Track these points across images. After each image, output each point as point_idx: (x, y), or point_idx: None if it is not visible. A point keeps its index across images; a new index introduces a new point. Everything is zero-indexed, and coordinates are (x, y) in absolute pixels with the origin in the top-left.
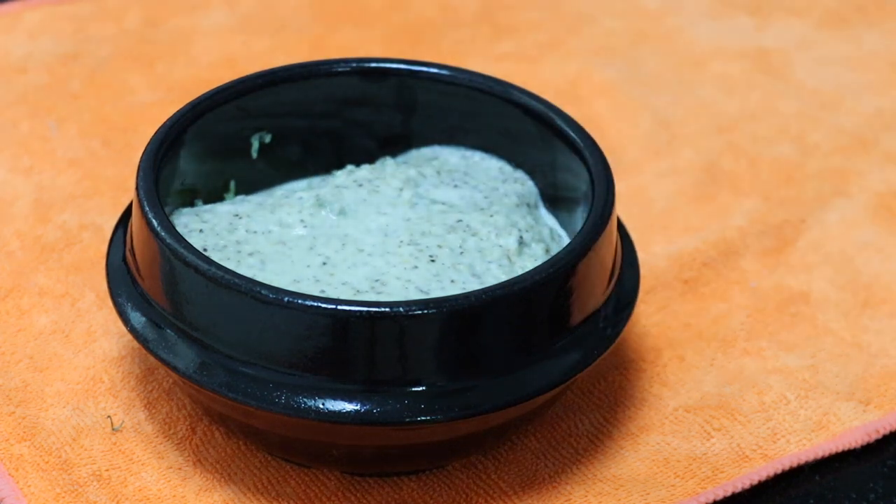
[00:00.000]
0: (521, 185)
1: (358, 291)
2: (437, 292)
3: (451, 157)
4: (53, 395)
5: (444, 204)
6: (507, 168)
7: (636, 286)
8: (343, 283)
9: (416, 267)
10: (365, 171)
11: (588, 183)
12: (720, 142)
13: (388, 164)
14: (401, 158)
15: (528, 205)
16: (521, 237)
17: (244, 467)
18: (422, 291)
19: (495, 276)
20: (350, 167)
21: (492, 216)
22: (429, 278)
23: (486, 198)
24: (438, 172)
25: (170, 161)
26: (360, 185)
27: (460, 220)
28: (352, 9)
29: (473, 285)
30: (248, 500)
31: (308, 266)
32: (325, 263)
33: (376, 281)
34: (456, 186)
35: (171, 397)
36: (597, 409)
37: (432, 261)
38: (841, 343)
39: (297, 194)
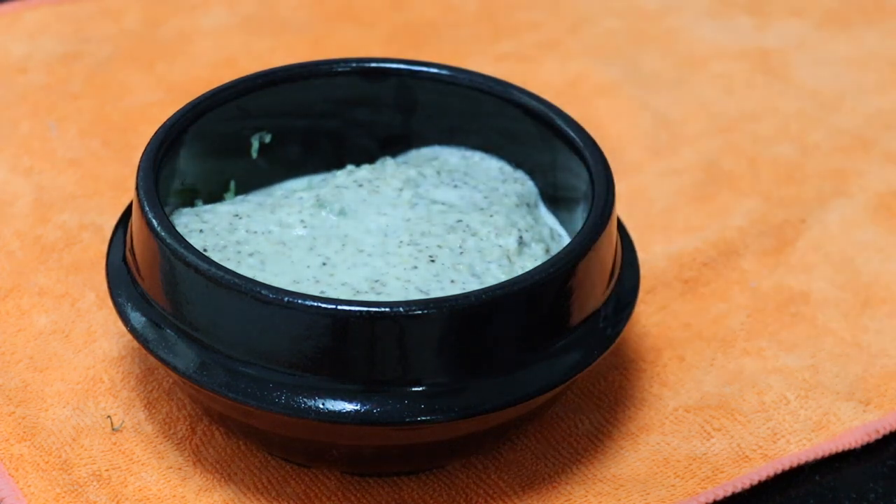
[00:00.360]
0: (521, 185)
1: (357, 292)
2: (436, 292)
3: (451, 157)
4: (53, 395)
5: (443, 204)
6: (507, 168)
7: (636, 286)
8: (343, 284)
9: (415, 267)
10: (365, 171)
11: (588, 183)
12: (720, 142)
13: (388, 165)
14: (401, 158)
15: (528, 205)
16: (520, 237)
17: (244, 467)
18: (421, 292)
19: (495, 276)
20: (350, 167)
21: (492, 216)
22: (428, 278)
23: (485, 198)
24: (438, 172)
25: (170, 161)
26: (361, 186)
27: (460, 220)
28: (352, 9)
29: (473, 285)
30: (248, 500)
31: (308, 266)
32: (324, 264)
33: (376, 281)
34: (456, 186)
35: (171, 397)
36: (597, 409)
37: (432, 261)
38: (841, 343)
39: (297, 194)
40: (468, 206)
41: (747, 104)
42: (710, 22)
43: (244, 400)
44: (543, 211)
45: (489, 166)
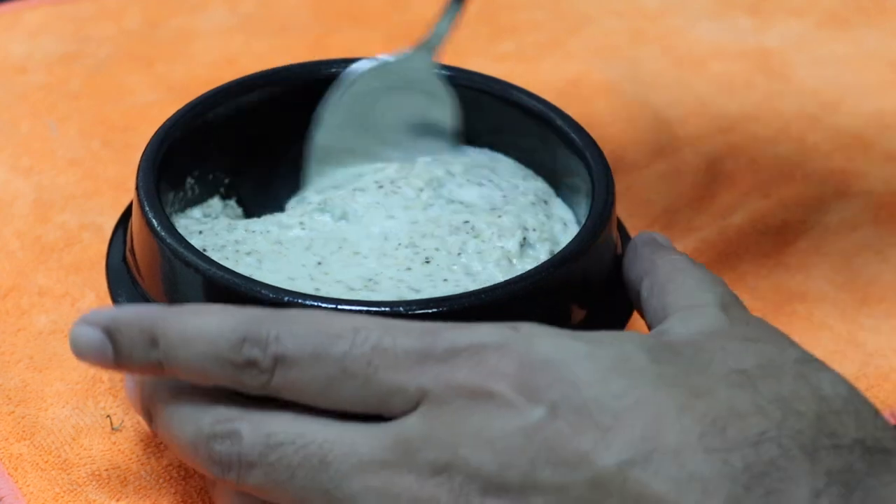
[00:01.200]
0: (539, 181)
1: (351, 289)
2: (428, 291)
3: (478, 155)
4: (53, 394)
5: (460, 203)
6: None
7: None
8: (337, 282)
9: (409, 269)
10: (392, 169)
11: (588, 183)
12: (720, 142)
13: (417, 162)
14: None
15: (545, 202)
16: (524, 238)
17: None
18: (413, 290)
19: (492, 275)
20: (379, 164)
21: (500, 217)
22: (420, 278)
23: (503, 196)
24: (466, 170)
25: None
26: (381, 187)
27: (466, 222)
28: (352, 9)
29: (467, 283)
30: None
31: (303, 265)
32: (320, 263)
33: (369, 280)
34: (480, 185)
35: None
36: None
37: (427, 262)
38: (837, 340)
39: (298, 195)
40: (484, 206)
41: (747, 104)
42: (709, 22)
43: None
44: (558, 204)
45: (511, 164)
